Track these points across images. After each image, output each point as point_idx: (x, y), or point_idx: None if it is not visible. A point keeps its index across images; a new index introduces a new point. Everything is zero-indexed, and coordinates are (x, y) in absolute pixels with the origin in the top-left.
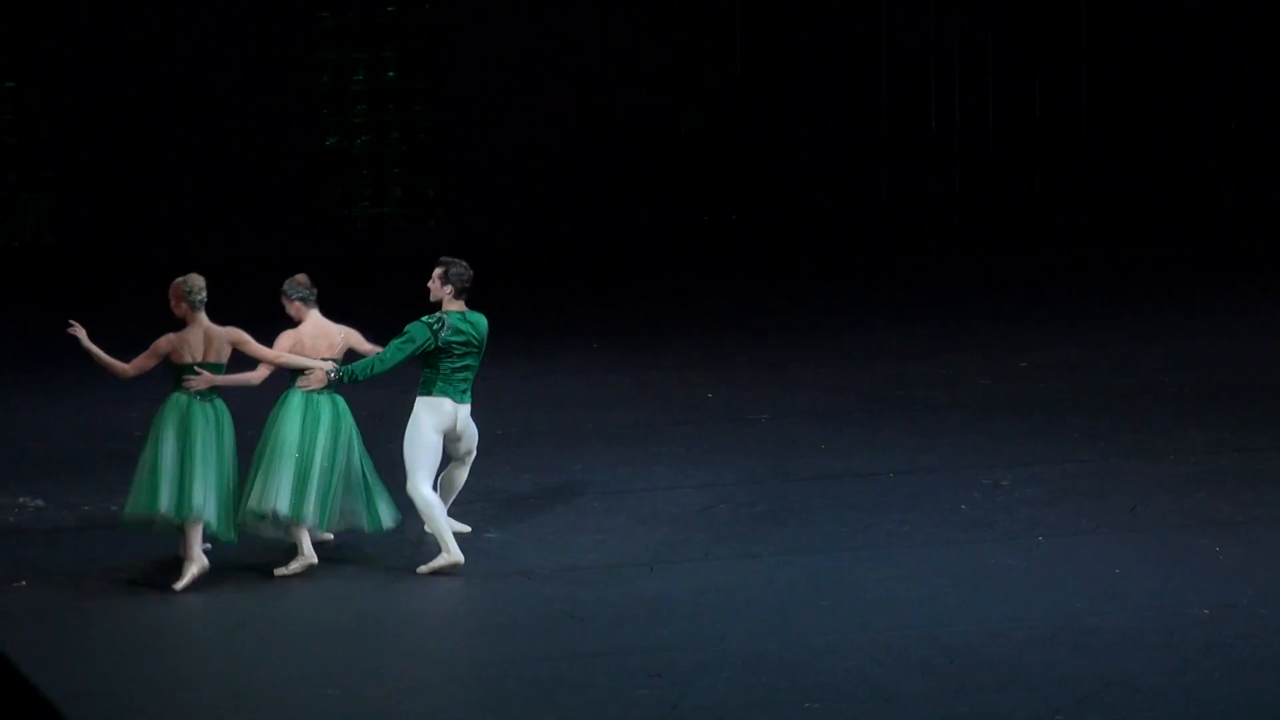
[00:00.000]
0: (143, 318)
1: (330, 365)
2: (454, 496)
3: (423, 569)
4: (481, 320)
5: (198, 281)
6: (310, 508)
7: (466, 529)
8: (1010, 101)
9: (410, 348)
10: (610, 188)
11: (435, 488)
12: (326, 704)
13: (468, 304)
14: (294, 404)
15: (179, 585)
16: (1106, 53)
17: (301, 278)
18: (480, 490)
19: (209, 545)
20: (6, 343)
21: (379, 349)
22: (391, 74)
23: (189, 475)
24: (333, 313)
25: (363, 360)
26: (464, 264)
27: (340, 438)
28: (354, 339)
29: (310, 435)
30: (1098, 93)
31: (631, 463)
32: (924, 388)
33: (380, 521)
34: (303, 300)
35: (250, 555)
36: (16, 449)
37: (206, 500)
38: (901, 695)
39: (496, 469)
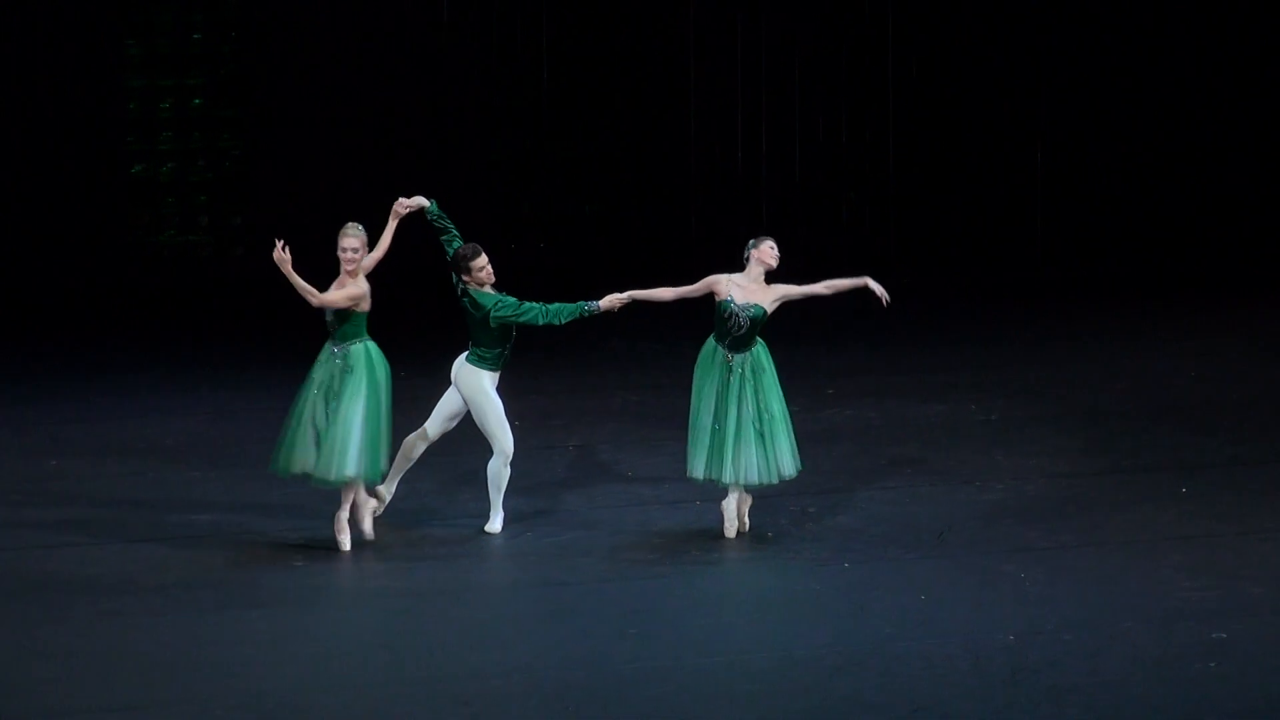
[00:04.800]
0: None
1: None
2: (407, 466)
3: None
4: (483, 301)
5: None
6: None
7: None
8: (823, 131)
9: None
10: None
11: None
12: None
13: (497, 289)
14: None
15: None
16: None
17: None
18: (297, 518)
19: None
20: None
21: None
22: (198, 101)
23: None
24: (141, 341)
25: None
26: (464, 250)
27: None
28: None
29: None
30: (914, 118)
31: (436, 491)
32: None
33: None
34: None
35: None
36: None
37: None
38: None
39: (303, 499)
